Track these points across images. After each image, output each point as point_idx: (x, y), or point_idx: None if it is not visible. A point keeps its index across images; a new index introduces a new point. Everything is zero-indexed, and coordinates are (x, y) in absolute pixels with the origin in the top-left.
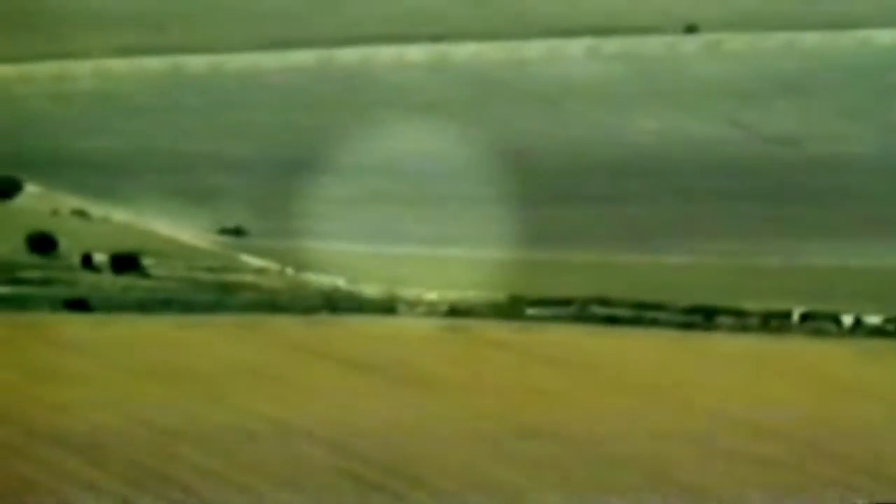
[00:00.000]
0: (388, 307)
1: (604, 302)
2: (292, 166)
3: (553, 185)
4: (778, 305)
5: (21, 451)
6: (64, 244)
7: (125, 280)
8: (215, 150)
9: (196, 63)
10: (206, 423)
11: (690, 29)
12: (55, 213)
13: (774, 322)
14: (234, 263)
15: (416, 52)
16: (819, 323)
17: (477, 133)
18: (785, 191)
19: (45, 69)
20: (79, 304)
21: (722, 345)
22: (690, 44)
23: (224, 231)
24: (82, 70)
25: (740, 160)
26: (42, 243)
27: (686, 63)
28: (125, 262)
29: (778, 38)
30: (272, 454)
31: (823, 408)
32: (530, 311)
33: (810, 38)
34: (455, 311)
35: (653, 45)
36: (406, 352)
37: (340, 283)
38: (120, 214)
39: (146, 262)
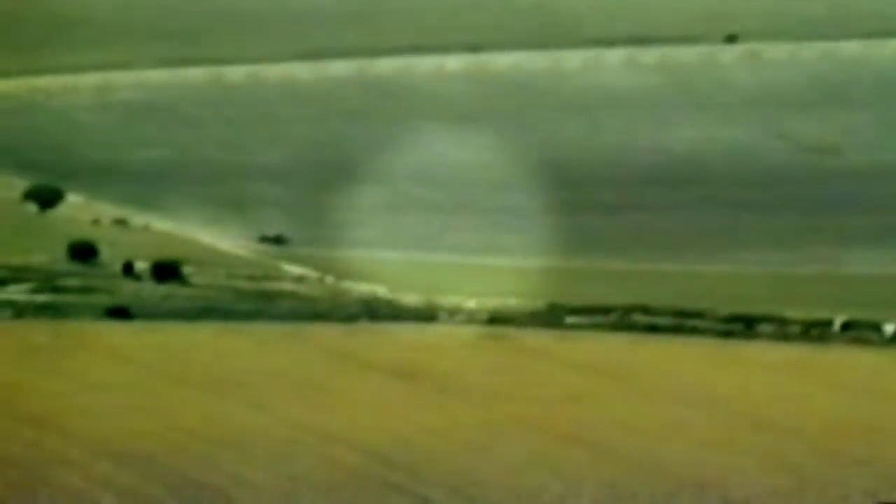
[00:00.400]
0: (427, 315)
1: (644, 310)
2: (331, 175)
3: (592, 194)
4: (819, 314)
5: (63, 459)
6: (105, 253)
7: (166, 288)
8: (254, 159)
9: (235, 73)
10: (247, 431)
11: (730, 38)
12: (96, 222)
13: (815, 330)
14: (274, 272)
15: (453, 62)
16: (860, 331)
17: (515, 142)
18: (825, 199)
19: (86, 80)
20: (120, 312)
21: (763, 353)
22: (730, 53)
23: (264, 239)
24: (123, 81)
25: (780, 169)
26: (83, 252)
27: (725, 72)
28: (166, 271)
29: (818, 48)
30: (313, 463)
31: (865, 416)
32: (570, 319)
33: (850, 47)
34: (495, 319)
35: (691, 54)
36: (446, 360)
37: (380, 291)
38: (160, 223)
39: (187, 270)
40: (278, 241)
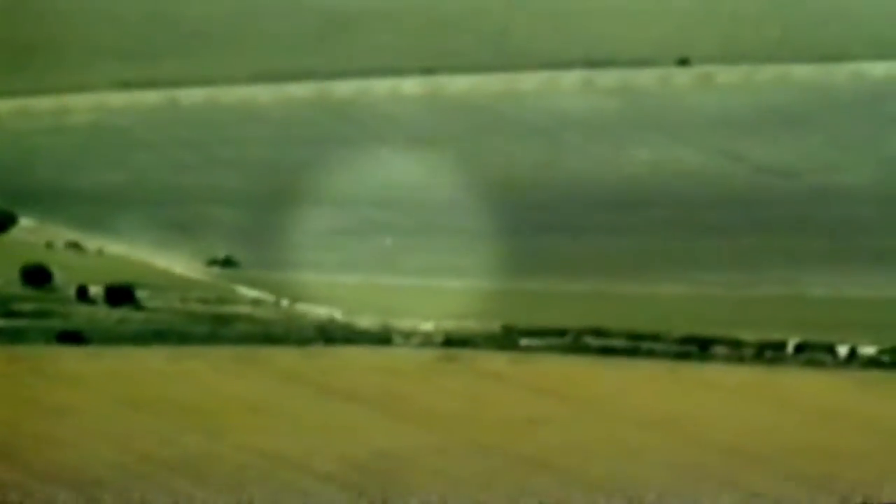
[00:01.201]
0: (382, 338)
1: (599, 332)
2: (287, 198)
3: (548, 217)
4: (773, 336)
5: (16, 485)
6: (58, 277)
7: (120, 312)
8: (211, 182)
9: (192, 96)
10: (201, 455)
11: (683, 62)
12: (50, 245)
13: (770, 352)
14: (228, 295)
15: (411, 85)
16: (814, 353)
17: (472, 165)
18: (780, 222)
19: (42, 103)
20: (73, 337)
21: (717, 375)
22: (683, 76)
23: (213, 262)
24: (79, 104)
25: (735, 191)
26: (36, 276)
27: (679, 95)
28: (120, 295)
29: (771, 71)
30: (267, 487)
31: (818, 438)
32: (524, 341)
33: (804, 71)
34: (450, 341)
35: (646, 77)
36: (401, 382)
37: (335, 314)
38: (114, 247)
39: (141, 294)
40: (227, 263)
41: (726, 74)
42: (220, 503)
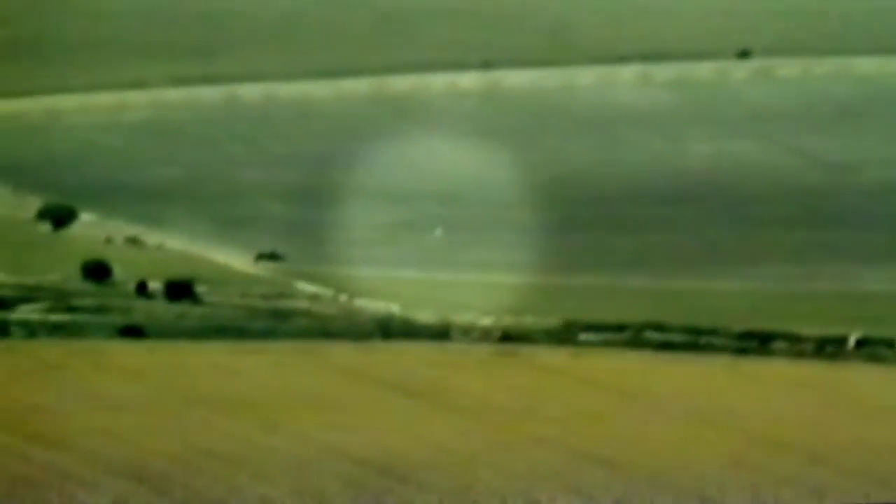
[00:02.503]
0: (441, 333)
1: (658, 327)
2: (344, 193)
3: (606, 211)
4: (833, 331)
5: (78, 478)
6: (118, 272)
7: (179, 307)
8: (269, 178)
9: (249, 92)
10: (261, 449)
11: (743, 54)
12: (109, 241)
13: (830, 347)
14: (287, 290)
15: (468, 80)
16: (874, 348)
17: (529, 159)
18: (839, 216)
19: (101, 100)
20: (133, 332)
21: (777, 370)
22: (742, 69)
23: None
24: (138, 100)
25: (794, 185)
26: (97, 271)
27: (738, 89)
28: (179, 290)
29: (831, 64)
30: (327, 481)
31: (878, 433)
32: (584, 336)
33: (864, 64)
34: (508, 336)
35: (704, 70)
36: (460, 377)
37: (394, 309)
38: (174, 242)
39: (200, 289)
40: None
41: (785, 68)
42: (279, 497)
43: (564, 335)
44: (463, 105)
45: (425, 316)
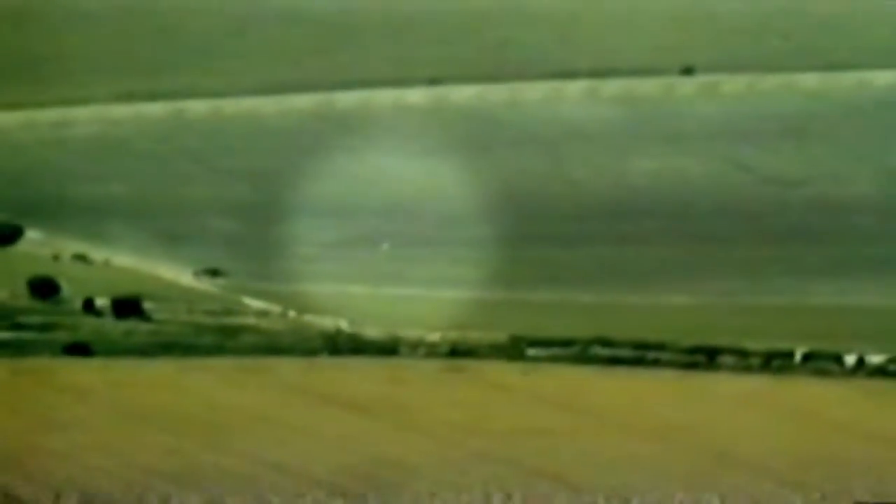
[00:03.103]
0: (389, 348)
1: (605, 342)
2: (292, 209)
3: (553, 227)
4: (780, 345)
5: (22, 497)
6: (65, 289)
7: (127, 324)
8: (216, 193)
9: (196, 108)
10: (208, 467)
11: (687, 71)
12: (56, 257)
13: (777, 362)
14: (235, 306)
15: (414, 95)
16: (822, 363)
17: (476, 175)
18: (786, 231)
19: (45, 116)
20: (80, 349)
21: (724, 385)
22: (687, 85)
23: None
24: (83, 116)
25: (741, 201)
26: (43, 288)
27: (684, 104)
28: (127, 307)
29: (776, 80)
30: (275, 498)
31: (826, 448)
32: (531, 351)
33: (809, 79)
34: (456, 351)
35: (650, 86)
36: (408, 393)
37: (342, 325)
38: (121, 259)
39: (148, 305)
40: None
41: (730, 83)
42: None
43: (512, 350)
44: (410, 120)
45: (373, 332)
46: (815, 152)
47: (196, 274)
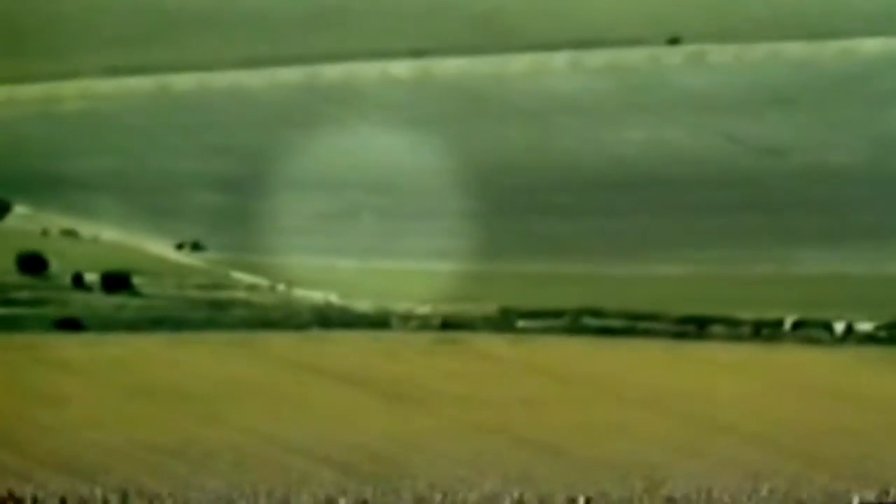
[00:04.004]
0: (380, 321)
1: (596, 313)
2: (280, 183)
3: (542, 198)
4: (770, 314)
5: (13, 471)
6: (54, 264)
7: (116, 299)
8: (203, 167)
9: (182, 82)
10: (200, 440)
11: (673, 41)
12: (45, 233)
13: (767, 330)
14: (225, 281)
15: (400, 68)
16: (811, 331)
17: (462, 147)
18: (774, 200)
19: (32, 91)
20: (70, 324)
21: (715, 354)
22: (674, 55)
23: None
24: (70, 91)
25: (728, 171)
26: (32, 264)
27: (670, 75)
28: (116, 282)
29: (762, 49)
30: (267, 470)
31: (815, 415)
32: (521, 322)
33: (795, 49)
34: (447, 324)
35: (636, 57)
36: (399, 365)
37: (332, 298)
38: (110, 234)
39: (137, 280)
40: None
41: (717, 53)
42: (218, 487)
43: (503, 322)
44: (395, 93)
45: (364, 305)
46: (803, 121)
47: (185, 248)
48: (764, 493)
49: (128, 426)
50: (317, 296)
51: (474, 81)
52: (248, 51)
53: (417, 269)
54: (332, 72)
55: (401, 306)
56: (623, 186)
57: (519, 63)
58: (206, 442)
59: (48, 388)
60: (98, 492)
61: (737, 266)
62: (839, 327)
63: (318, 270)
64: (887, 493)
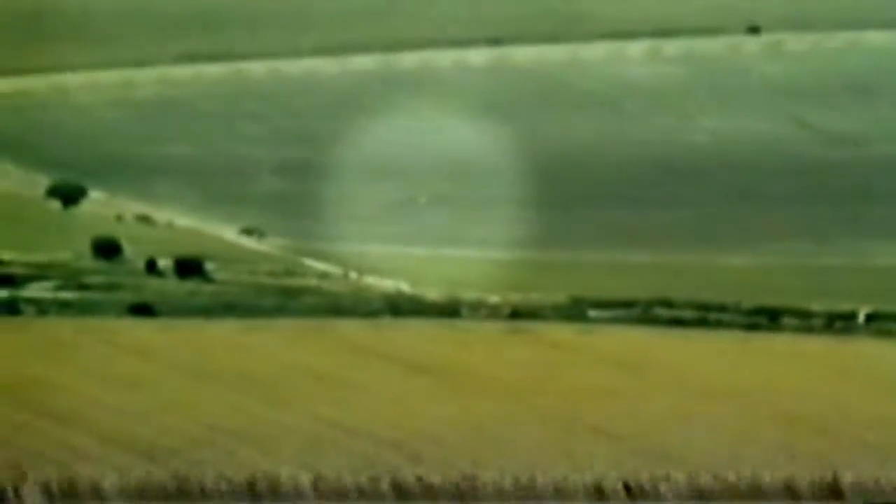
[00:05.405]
0: (450, 310)
1: (667, 304)
2: (352, 171)
3: (615, 187)
4: (843, 306)
5: (88, 455)
6: (128, 250)
7: (189, 285)
8: (275, 155)
9: (256, 69)
10: (270, 426)
11: (753, 30)
12: (119, 218)
13: (839, 323)
14: (296, 268)
15: (475, 56)
16: (884, 323)
17: (537, 135)
18: (849, 191)
19: (108, 77)
20: (143, 310)
21: (787, 346)
22: (752, 44)
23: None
24: (145, 77)
25: (804, 160)
26: (107, 249)
27: (748, 64)
28: (189, 267)
29: (841, 38)
30: (336, 456)
31: (889, 408)
32: (592, 312)
33: (874, 37)
34: (517, 313)
35: (714, 46)
36: (469, 355)
37: (403, 286)
38: (183, 220)
39: (210, 266)
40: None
41: (796, 42)
42: (287, 473)
43: (573, 312)
44: (470, 81)
45: (434, 293)
46: (881, 111)
47: (257, 235)
48: (844, 485)
49: (198, 410)
50: (387, 284)
51: (550, 69)
52: (322, 38)
53: (488, 257)
54: (408, 59)
55: (471, 295)
56: (696, 175)
57: (595, 51)
58: (275, 426)
59: (121, 372)
60: (167, 475)
61: (810, 257)
62: None
63: (388, 259)
64: None
